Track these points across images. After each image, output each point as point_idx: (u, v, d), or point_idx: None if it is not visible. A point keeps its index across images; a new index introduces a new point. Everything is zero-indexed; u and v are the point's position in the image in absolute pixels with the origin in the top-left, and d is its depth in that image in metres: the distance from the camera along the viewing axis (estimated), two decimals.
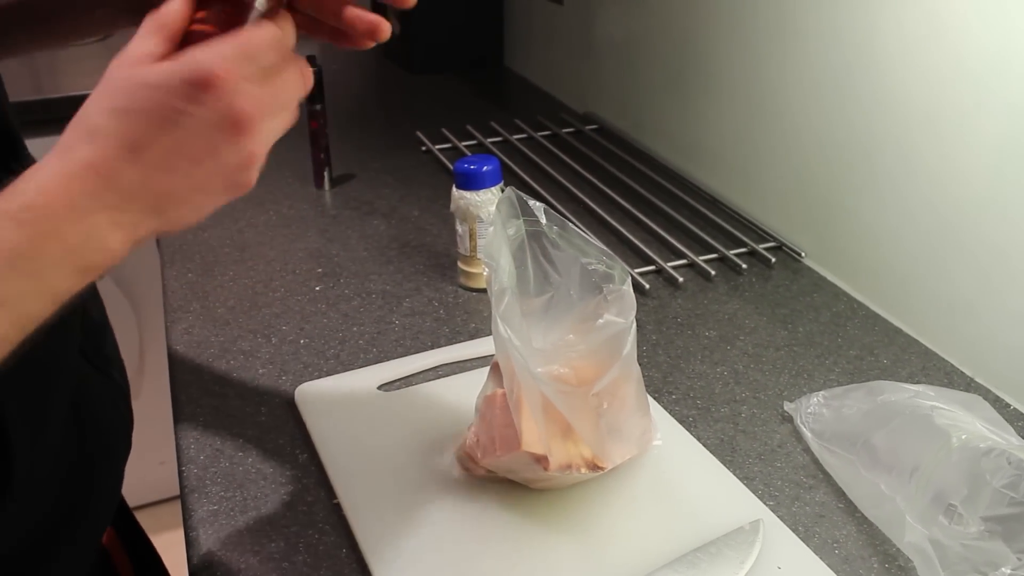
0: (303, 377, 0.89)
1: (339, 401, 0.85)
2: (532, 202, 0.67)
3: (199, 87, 0.47)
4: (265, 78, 0.50)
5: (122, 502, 0.86)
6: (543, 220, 0.68)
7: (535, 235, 0.68)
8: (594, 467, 0.68)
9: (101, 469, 0.70)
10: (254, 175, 0.52)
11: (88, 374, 0.68)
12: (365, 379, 0.88)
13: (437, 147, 1.46)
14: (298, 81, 0.53)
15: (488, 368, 0.74)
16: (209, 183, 0.50)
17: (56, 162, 0.47)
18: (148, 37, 0.50)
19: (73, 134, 0.48)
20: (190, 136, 0.48)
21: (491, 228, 0.64)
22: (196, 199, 0.51)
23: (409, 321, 0.99)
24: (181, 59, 0.48)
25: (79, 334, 0.67)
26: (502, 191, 1.00)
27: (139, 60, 0.48)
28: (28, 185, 0.46)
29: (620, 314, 0.64)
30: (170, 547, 0.99)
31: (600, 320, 0.63)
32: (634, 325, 0.66)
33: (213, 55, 0.48)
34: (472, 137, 1.50)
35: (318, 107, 1.29)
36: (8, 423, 0.56)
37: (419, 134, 1.51)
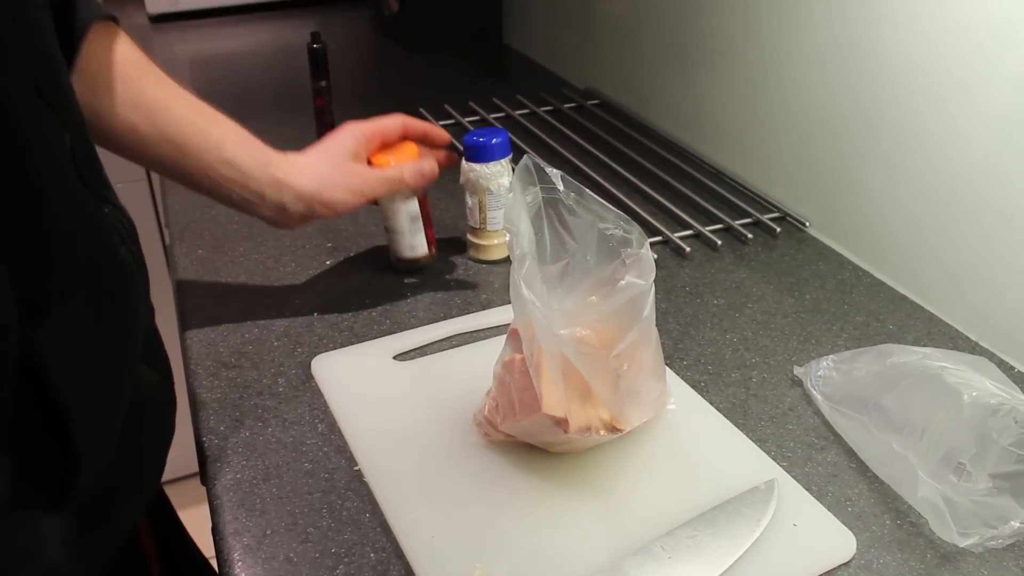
0: (318, 349, 0.91)
1: (355, 371, 0.86)
2: (549, 169, 0.68)
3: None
4: None
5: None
6: (560, 187, 0.69)
7: (552, 202, 0.69)
8: (612, 429, 0.70)
9: (148, 459, 0.71)
10: None
11: (145, 375, 0.70)
12: (380, 349, 0.89)
13: (440, 123, 1.46)
14: None
15: (505, 336, 0.75)
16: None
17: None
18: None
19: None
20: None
21: (511, 195, 0.65)
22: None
23: (421, 293, 1.00)
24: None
25: (140, 345, 0.68)
26: (512, 164, 1.02)
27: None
28: None
29: (640, 276, 0.65)
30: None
31: (621, 282, 0.64)
32: (653, 288, 0.67)
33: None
34: (475, 113, 1.51)
35: (323, 84, 1.30)
36: (75, 435, 0.57)
37: (422, 111, 1.52)
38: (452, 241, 1.11)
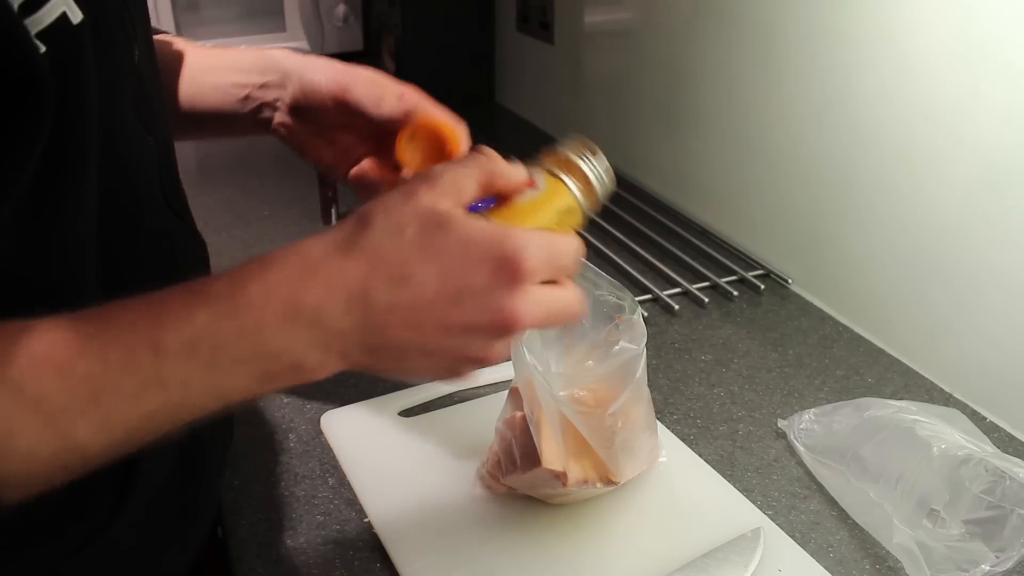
0: (327, 405, 0.95)
1: (363, 427, 0.91)
2: None
3: (504, 270, 0.48)
4: (550, 290, 0.51)
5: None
6: None
7: None
8: (608, 482, 0.75)
9: (204, 485, 0.76)
10: (473, 372, 0.52)
11: None
12: (386, 406, 0.94)
13: None
14: (571, 309, 0.53)
15: (505, 393, 0.80)
16: (437, 355, 0.50)
17: (299, 265, 0.47)
18: (471, 182, 0.52)
19: (342, 235, 0.48)
20: (461, 310, 0.48)
21: None
22: (414, 361, 0.50)
23: None
24: (499, 229, 0.49)
25: None
26: None
27: (456, 203, 0.50)
28: (257, 277, 0.47)
29: (632, 341, 0.70)
30: None
31: (615, 347, 0.69)
32: (645, 351, 0.72)
33: (530, 244, 0.48)
34: None
35: None
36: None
37: None
38: None
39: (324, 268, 0.48)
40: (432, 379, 0.53)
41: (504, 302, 0.48)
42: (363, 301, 0.47)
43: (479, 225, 0.49)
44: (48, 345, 0.43)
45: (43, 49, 0.46)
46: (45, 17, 0.46)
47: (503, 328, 0.49)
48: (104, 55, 0.53)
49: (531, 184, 0.57)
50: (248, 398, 0.48)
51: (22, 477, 0.43)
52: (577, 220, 0.59)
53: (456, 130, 0.71)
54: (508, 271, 0.48)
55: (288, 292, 0.47)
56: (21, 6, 0.45)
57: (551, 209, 0.57)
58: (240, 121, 0.79)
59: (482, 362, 0.51)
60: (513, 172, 0.56)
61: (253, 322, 0.46)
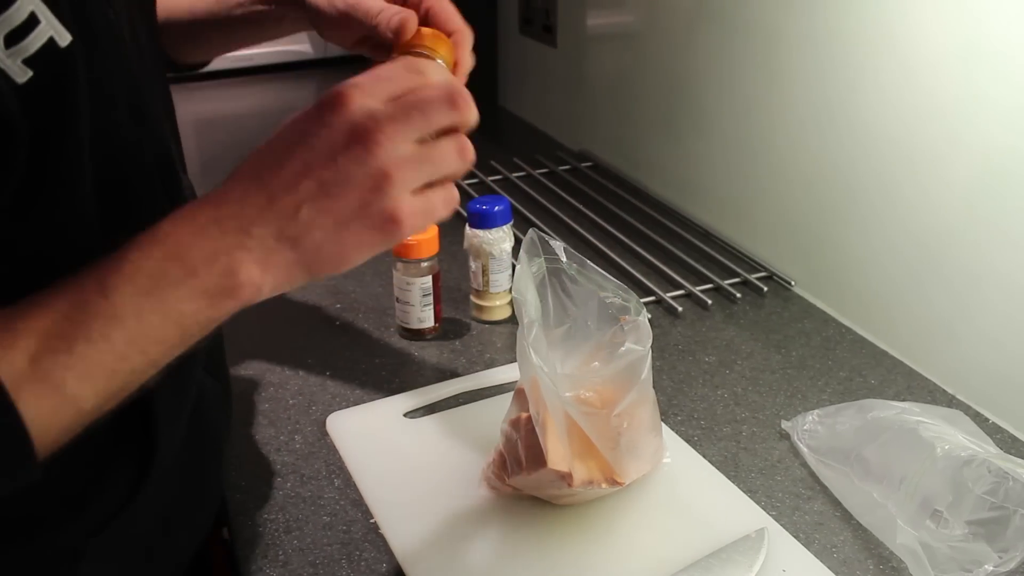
0: (332, 406, 0.96)
1: (368, 428, 0.91)
2: (553, 241, 0.74)
3: (325, 107, 0.52)
4: (398, 101, 0.54)
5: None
6: (563, 258, 0.75)
7: (555, 271, 0.75)
8: (613, 482, 0.75)
9: (208, 462, 0.77)
10: (393, 205, 0.53)
11: (207, 384, 0.76)
12: (391, 407, 0.94)
13: None
14: (453, 151, 0.58)
15: (511, 394, 0.81)
16: (341, 209, 0.52)
17: (198, 200, 0.54)
18: None
19: (225, 178, 0.55)
20: (313, 153, 0.52)
21: (519, 266, 0.71)
22: (337, 237, 0.53)
23: (427, 352, 1.06)
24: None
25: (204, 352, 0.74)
26: (513, 230, 1.08)
27: None
28: (167, 218, 0.52)
29: (638, 342, 0.71)
30: None
31: (621, 348, 0.70)
32: (650, 352, 0.73)
33: (346, 82, 0.53)
34: (473, 176, 1.57)
35: None
36: (158, 417, 0.63)
37: None
38: (455, 302, 1.16)
39: (217, 192, 0.54)
40: (371, 248, 0.55)
41: (348, 128, 0.52)
42: (257, 200, 0.52)
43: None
44: (25, 321, 0.49)
45: (29, 75, 0.48)
46: (31, 45, 0.48)
47: (368, 147, 0.52)
48: (95, 65, 0.54)
49: None
50: (204, 323, 0.52)
51: (38, 444, 0.48)
52: None
53: (451, 41, 0.75)
54: (331, 104, 0.52)
55: (191, 209, 0.52)
56: (7, 36, 0.47)
57: None
58: (281, 27, 0.82)
59: (395, 207, 0.53)
60: None
61: (173, 244, 0.51)
